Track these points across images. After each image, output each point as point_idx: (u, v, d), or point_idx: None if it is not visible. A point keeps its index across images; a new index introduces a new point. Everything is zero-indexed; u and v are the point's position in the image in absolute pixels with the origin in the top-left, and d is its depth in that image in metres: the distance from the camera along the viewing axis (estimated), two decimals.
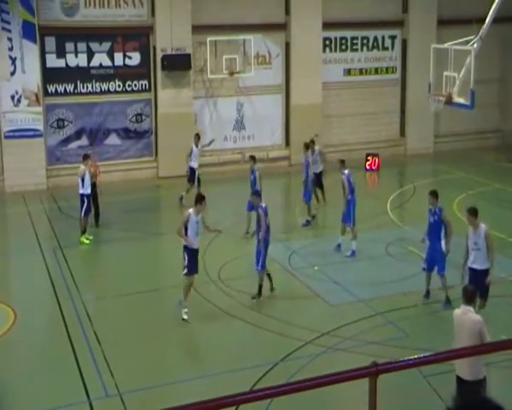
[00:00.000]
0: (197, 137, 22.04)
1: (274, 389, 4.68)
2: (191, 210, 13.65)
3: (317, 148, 21.09)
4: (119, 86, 25.31)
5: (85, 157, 18.85)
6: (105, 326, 13.71)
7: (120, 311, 14.54)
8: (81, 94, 24.87)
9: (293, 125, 27.09)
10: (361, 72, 28.49)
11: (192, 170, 21.57)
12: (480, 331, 9.11)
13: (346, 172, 17.30)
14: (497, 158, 27.85)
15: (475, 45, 19.79)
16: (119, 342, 13.07)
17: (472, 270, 12.54)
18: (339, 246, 17.25)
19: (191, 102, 25.71)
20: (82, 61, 24.73)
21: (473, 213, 12.58)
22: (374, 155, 26.24)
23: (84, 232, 18.46)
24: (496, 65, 29.60)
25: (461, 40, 20.34)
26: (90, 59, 24.79)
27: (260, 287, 14.51)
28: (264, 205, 14.67)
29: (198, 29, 25.19)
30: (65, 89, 24.69)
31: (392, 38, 28.78)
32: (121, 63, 25.22)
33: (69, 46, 24.55)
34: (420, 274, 15.45)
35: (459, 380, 9.26)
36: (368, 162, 26.15)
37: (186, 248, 13.66)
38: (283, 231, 18.82)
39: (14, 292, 16.28)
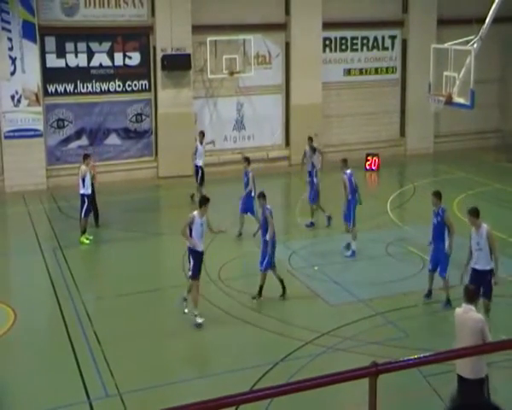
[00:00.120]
0: (202, 134, 22.08)
1: (274, 389, 4.68)
2: (196, 212, 13.50)
3: (314, 145, 21.04)
4: (119, 86, 25.31)
5: (86, 157, 18.85)
6: (105, 326, 13.70)
7: (120, 311, 14.53)
8: (81, 94, 24.87)
9: (293, 126, 27.09)
10: (361, 72, 28.49)
11: (196, 168, 21.61)
12: (482, 330, 9.12)
13: (348, 171, 17.26)
14: (497, 158, 27.86)
15: (475, 45, 19.79)
16: (119, 342, 13.07)
17: (474, 270, 12.50)
18: (348, 245, 17.21)
19: (191, 102, 25.71)
20: (82, 61, 24.72)
21: (474, 213, 12.52)
22: (374, 155, 26.24)
23: (84, 232, 18.46)
24: (496, 65, 29.60)
25: (461, 40, 20.34)
26: (90, 59, 24.79)
27: (261, 287, 14.49)
28: (269, 206, 14.67)
29: (198, 29, 25.19)
30: (65, 89, 24.68)
31: (392, 38, 28.78)
32: (121, 63, 25.21)
33: (69, 46, 24.54)
34: (420, 274, 15.49)
35: (460, 379, 9.25)
36: (368, 162, 26.15)
37: (191, 250, 13.50)
38: (283, 231, 18.81)
39: (14, 292, 16.27)
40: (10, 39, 23.50)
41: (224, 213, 19.36)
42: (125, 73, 25.31)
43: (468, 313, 9.30)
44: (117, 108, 25.37)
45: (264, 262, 14.43)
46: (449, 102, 20.48)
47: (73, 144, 24.99)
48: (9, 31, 23.46)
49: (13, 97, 23.71)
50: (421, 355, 5.25)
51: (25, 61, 23.65)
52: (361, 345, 12.50)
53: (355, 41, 28.20)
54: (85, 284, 15.96)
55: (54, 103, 24.63)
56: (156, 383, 11.54)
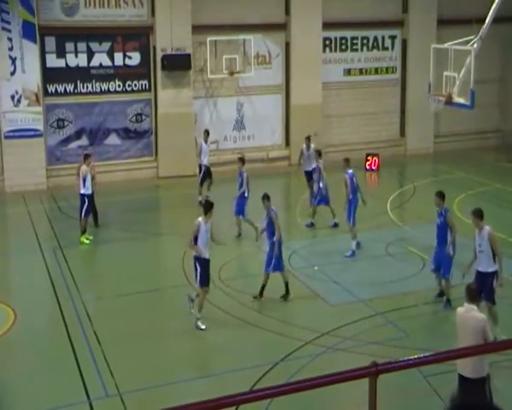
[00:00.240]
0: (206, 133, 22.11)
1: (274, 389, 4.68)
2: (200, 219, 13.29)
3: (312, 145, 21.03)
4: (119, 86, 25.30)
5: (86, 157, 18.84)
6: (105, 326, 13.70)
7: (120, 311, 14.52)
8: (81, 94, 24.87)
9: (293, 126, 27.09)
10: (361, 72, 28.49)
11: (200, 167, 21.61)
12: (484, 330, 9.12)
13: (350, 171, 17.26)
14: (497, 158, 27.86)
15: (475, 45, 19.79)
16: (119, 342, 13.06)
17: (477, 272, 12.44)
18: (358, 244, 17.17)
19: (191, 102, 25.70)
20: (82, 61, 24.72)
21: (477, 214, 12.43)
22: (374, 155, 26.24)
23: (84, 232, 18.46)
24: (496, 65, 29.59)
25: (461, 40, 20.34)
26: (90, 59, 24.79)
27: (263, 288, 14.47)
28: (274, 208, 14.64)
29: (198, 29, 25.19)
30: (65, 89, 24.68)
31: (392, 38, 28.78)
32: (121, 63, 25.21)
33: (69, 46, 24.54)
34: (420, 274, 15.48)
35: (461, 378, 9.23)
36: (368, 162, 26.15)
37: (197, 259, 13.30)
38: (283, 231, 18.72)
39: (14, 292, 16.27)
40: (10, 39, 23.50)
41: (224, 213, 19.32)
42: (125, 73, 25.31)
43: (469, 313, 9.30)
44: (117, 108, 25.36)
45: (272, 264, 14.35)
46: (449, 102, 20.47)
47: (73, 144, 24.99)
48: (9, 31, 23.46)
49: (13, 97, 23.71)
50: (421, 355, 5.25)
51: (25, 61, 23.65)
52: (361, 345, 12.50)
53: (355, 41, 28.20)
54: (85, 284, 15.96)
55: (54, 103, 24.63)
56: (156, 383, 11.54)
